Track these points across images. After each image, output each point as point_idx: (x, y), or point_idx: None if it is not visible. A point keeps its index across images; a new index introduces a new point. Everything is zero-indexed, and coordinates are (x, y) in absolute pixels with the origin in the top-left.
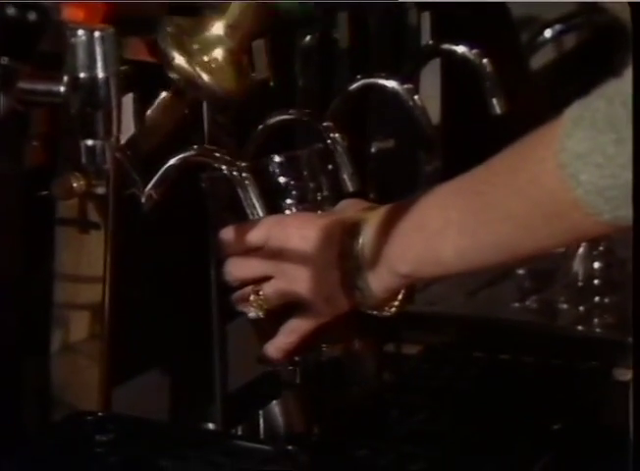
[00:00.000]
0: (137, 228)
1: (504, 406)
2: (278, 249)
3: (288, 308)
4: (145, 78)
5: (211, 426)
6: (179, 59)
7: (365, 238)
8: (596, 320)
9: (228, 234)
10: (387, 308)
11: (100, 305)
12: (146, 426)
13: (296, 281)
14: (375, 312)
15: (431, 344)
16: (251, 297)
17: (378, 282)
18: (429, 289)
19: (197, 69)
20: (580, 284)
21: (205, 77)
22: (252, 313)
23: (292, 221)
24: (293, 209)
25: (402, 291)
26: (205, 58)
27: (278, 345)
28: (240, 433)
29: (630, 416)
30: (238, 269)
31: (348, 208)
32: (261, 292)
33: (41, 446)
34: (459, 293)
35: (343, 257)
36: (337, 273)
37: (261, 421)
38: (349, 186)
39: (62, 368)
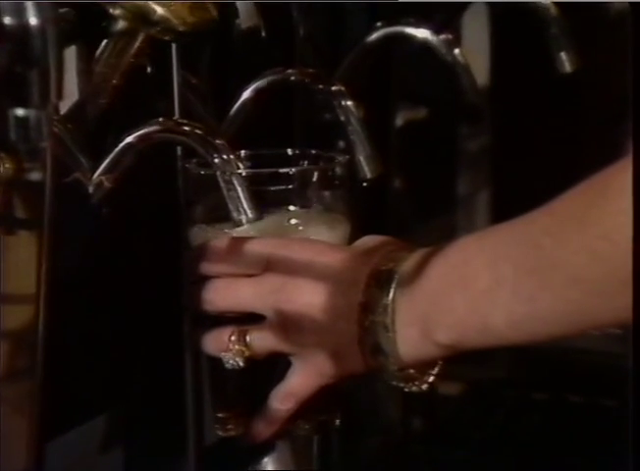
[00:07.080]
0: (83, 227)
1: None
2: (279, 281)
3: (275, 359)
4: (94, 27)
5: None
6: None
7: (397, 291)
8: None
9: (213, 248)
10: (417, 382)
11: (32, 332)
12: None
13: (297, 328)
14: (401, 384)
15: (476, 381)
16: (232, 338)
17: (408, 347)
18: None
19: (149, 1)
20: None
21: (159, 9)
22: (230, 362)
23: (303, 247)
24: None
25: (439, 363)
26: None
27: (271, 416)
28: None
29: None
30: (221, 297)
31: (376, 247)
32: (248, 337)
33: None
34: None
35: (366, 309)
36: (354, 327)
37: None
38: (367, 172)
39: None
